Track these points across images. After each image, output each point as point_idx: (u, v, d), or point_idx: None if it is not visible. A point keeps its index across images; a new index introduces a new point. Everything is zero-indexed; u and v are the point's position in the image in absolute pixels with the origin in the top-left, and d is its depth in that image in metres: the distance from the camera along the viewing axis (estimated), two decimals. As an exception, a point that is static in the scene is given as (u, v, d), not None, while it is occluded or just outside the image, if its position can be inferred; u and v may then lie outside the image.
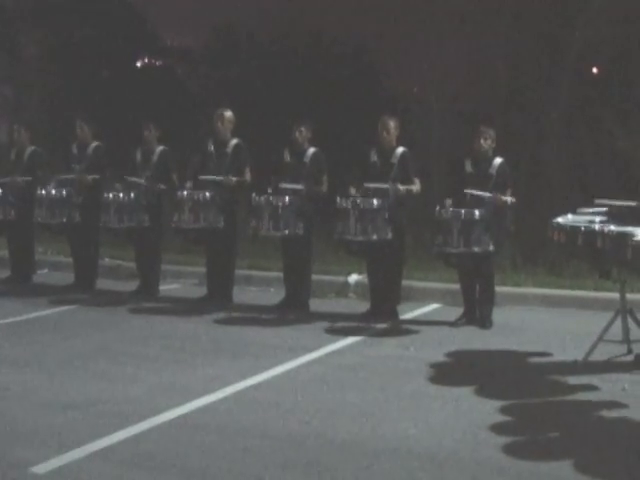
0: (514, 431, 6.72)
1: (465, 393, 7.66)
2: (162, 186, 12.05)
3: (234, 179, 11.48)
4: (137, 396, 7.54)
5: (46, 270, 14.59)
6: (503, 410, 7.17)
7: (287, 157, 11.42)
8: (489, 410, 7.15)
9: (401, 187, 10.56)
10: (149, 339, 9.87)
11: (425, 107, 20.22)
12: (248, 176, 11.63)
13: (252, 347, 9.44)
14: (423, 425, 6.77)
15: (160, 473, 5.86)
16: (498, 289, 10.90)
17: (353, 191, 10.56)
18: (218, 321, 10.86)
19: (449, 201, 10.23)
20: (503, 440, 6.41)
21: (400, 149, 10.84)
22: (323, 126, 12.97)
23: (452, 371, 8.62)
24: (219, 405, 7.33)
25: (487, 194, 10.20)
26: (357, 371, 8.43)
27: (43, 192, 12.45)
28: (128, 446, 6.33)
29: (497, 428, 6.70)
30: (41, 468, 5.91)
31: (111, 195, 11.96)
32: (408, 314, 11.15)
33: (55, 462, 6.01)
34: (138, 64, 41.10)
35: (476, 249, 9.93)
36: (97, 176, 12.48)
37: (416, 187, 10.72)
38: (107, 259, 14.27)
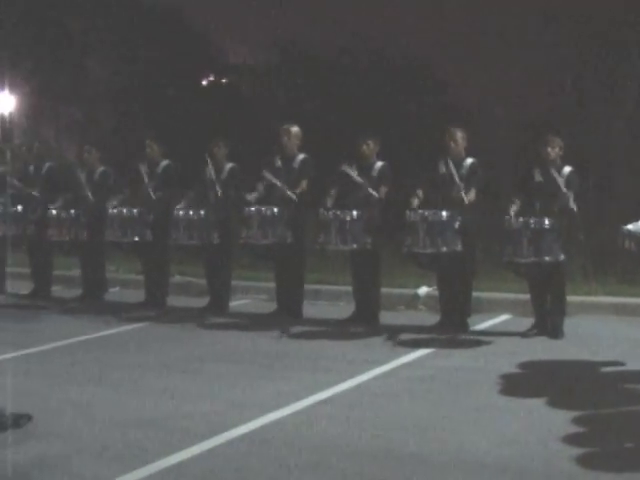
0: (587, 442, 6.62)
1: (537, 404, 7.57)
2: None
3: (290, 192, 11.50)
4: (208, 412, 7.57)
5: (117, 288, 14.74)
6: (576, 421, 7.08)
7: (348, 170, 11.42)
8: (561, 421, 7.05)
9: (465, 197, 10.50)
10: (219, 355, 9.92)
11: (491, 117, 20.13)
12: (304, 186, 11.62)
13: (322, 361, 9.44)
14: (494, 437, 6.70)
15: (231, 488, 5.89)
16: (569, 298, 10.78)
17: (416, 202, 10.53)
18: (288, 336, 10.89)
19: (514, 207, 10.18)
20: (576, 452, 6.32)
21: (469, 160, 10.80)
22: (389, 139, 12.97)
23: (523, 382, 8.55)
24: (290, 420, 7.33)
25: None
26: (427, 384, 8.38)
27: (114, 211, 12.61)
28: (199, 462, 6.35)
29: (570, 439, 6.61)
30: (113, 484, 5.96)
31: (181, 213, 12.07)
32: (478, 325, 11.08)
33: (127, 478, 6.05)
34: (204, 82, 41.50)
35: (547, 258, 9.84)
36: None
37: (469, 197, 10.62)
38: (177, 276, 14.37)
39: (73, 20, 44.61)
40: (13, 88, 45.99)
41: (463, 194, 10.49)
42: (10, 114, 46.49)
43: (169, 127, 31.00)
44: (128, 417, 7.47)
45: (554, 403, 7.58)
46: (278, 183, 11.54)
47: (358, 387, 8.35)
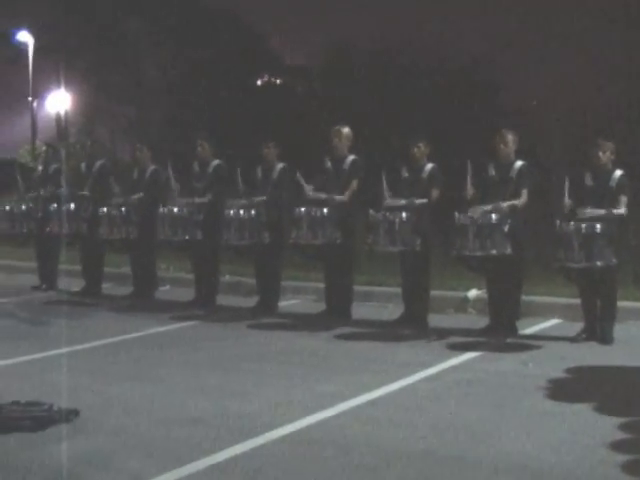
0: (635, 449, 6.55)
1: (584, 410, 7.51)
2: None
3: (337, 197, 11.51)
4: (254, 411, 7.59)
5: (168, 286, 14.84)
6: (624, 427, 7.01)
7: (404, 173, 11.41)
8: (609, 427, 6.99)
9: (504, 205, 10.42)
10: (267, 355, 9.94)
11: (545, 120, 19.98)
12: (354, 187, 11.62)
13: (369, 363, 9.43)
14: (540, 442, 6.66)
15: (274, 487, 5.90)
16: (620, 304, 10.67)
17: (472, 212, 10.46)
18: (336, 337, 10.88)
19: (569, 201, 10.12)
20: (623, 458, 6.26)
21: (519, 163, 10.73)
22: (440, 141, 12.93)
23: (571, 387, 8.47)
24: (335, 421, 7.33)
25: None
26: (474, 387, 8.34)
27: (165, 210, 12.68)
28: (242, 461, 6.36)
29: (617, 446, 6.54)
30: (158, 481, 6.00)
31: (232, 212, 12.11)
32: (528, 329, 11.00)
33: (170, 475, 6.08)
34: (258, 82, 41.65)
35: (598, 263, 9.76)
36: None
37: (520, 201, 10.55)
38: (227, 276, 14.43)
39: (129, 20, 45.01)
40: (69, 87, 46.53)
41: (502, 204, 10.43)
42: (66, 112, 47.00)
43: (222, 127, 31.20)
44: (174, 415, 7.51)
45: (602, 409, 7.51)
46: (323, 196, 11.55)
47: (404, 389, 8.33)
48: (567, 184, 10.38)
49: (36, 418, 7.17)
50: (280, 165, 12.44)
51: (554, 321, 11.61)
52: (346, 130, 11.88)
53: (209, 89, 37.06)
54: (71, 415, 7.33)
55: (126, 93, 45.00)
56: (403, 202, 11.08)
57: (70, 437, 6.88)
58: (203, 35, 40.47)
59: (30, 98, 46.36)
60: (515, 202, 10.51)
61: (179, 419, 7.37)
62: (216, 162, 12.99)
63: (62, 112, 47.19)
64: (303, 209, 11.39)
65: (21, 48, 45.89)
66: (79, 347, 10.23)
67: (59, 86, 46.79)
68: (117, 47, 44.49)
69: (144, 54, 44.22)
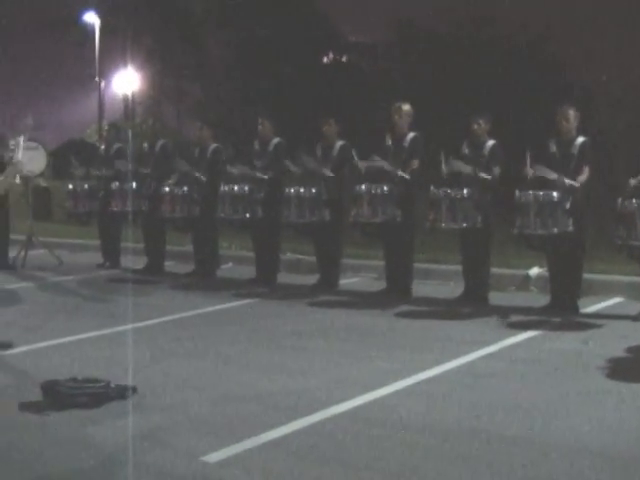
0: (695, 429, 6.46)
1: (644, 390, 7.41)
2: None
3: (401, 173, 11.44)
4: (311, 388, 7.59)
5: (230, 264, 14.89)
6: (684, 408, 6.91)
7: (465, 149, 11.32)
8: (669, 408, 6.90)
9: (567, 181, 10.28)
10: (327, 332, 9.94)
11: (610, 97, 19.69)
12: (415, 165, 11.56)
13: (429, 341, 9.38)
14: (597, 422, 6.57)
15: (325, 465, 5.87)
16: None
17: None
18: (397, 315, 10.85)
19: (629, 189, 9.95)
20: (682, 438, 6.18)
21: (580, 139, 10.58)
22: (502, 118, 12.79)
23: (631, 367, 8.34)
24: (391, 399, 7.30)
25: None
26: (533, 366, 8.26)
27: (226, 188, 12.71)
28: (298, 438, 6.37)
29: (677, 427, 6.45)
30: (212, 457, 6.00)
31: (292, 190, 12.10)
32: (589, 308, 10.87)
33: (226, 452, 6.10)
34: (324, 60, 41.53)
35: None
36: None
37: (583, 177, 10.40)
38: (289, 253, 14.45)
39: (194, -1, 45.12)
40: (136, 67, 46.84)
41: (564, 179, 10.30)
42: (133, 93, 47.34)
43: (288, 105, 31.20)
44: (231, 392, 7.54)
45: (662, 389, 7.41)
46: (388, 167, 11.49)
47: (462, 367, 8.27)
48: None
49: (93, 395, 7.23)
50: (340, 142, 12.39)
51: (616, 299, 11.45)
52: (406, 107, 11.80)
53: (274, 67, 37.07)
54: (128, 392, 7.38)
55: (192, 72, 45.25)
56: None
57: (126, 414, 6.92)
58: (267, 13, 40.43)
59: (97, 78, 46.71)
60: (577, 180, 10.36)
61: (236, 396, 7.40)
62: (276, 140, 12.97)
63: (129, 92, 47.55)
64: (363, 186, 11.36)
65: (88, 29, 46.28)
66: (140, 324, 10.29)
67: (126, 66, 47.15)
68: (182, 26, 44.70)
69: (209, 33, 44.38)
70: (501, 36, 29.48)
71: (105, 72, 47.93)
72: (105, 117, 46.57)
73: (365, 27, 42.54)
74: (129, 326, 10.07)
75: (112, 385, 7.38)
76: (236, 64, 39.35)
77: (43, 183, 23.41)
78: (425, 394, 7.40)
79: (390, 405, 7.13)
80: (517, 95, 25.41)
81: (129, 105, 46.92)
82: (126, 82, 47.64)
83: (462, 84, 27.00)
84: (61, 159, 16.62)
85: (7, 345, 9.07)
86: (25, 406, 7.16)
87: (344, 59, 42.64)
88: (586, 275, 11.06)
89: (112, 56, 47.43)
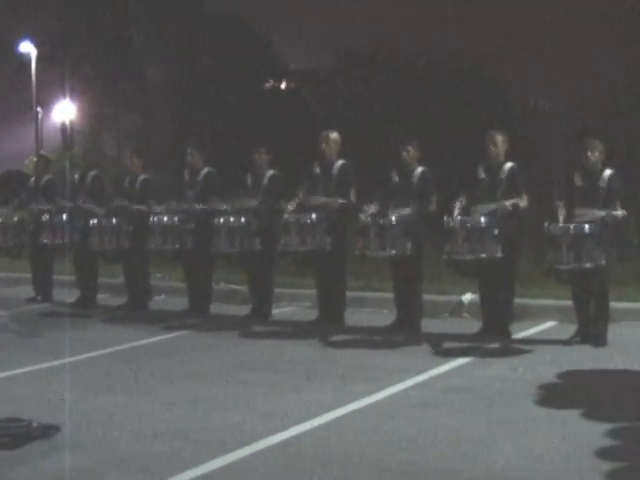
0: (622, 457, 6.41)
1: (573, 416, 7.37)
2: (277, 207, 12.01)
3: (339, 201, 11.40)
4: (239, 422, 7.47)
5: (163, 296, 14.71)
6: (613, 434, 6.87)
7: (395, 178, 11.29)
8: (598, 434, 6.84)
9: (507, 203, 10.29)
10: (257, 364, 9.83)
11: (546, 121, 19.88)
12: (353, 197, 11.52)
13: (360, 371, 9.29)
14: (527, 451, 6.52)
15: (251, 503, 5.79)
16: (615, 305, 10.56)
17: (457, 211, 10.34)
18: (328, 344, 10.78)
19: (560, 212, 9.96)
20: (609, 466, 6.13)
21: (509, 164, 10.59)
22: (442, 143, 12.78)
23: (561, 392, 8.32)
24: (320, 431, 7.21)
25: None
26: (462, 394, 8.21)
27: (155, 219, 12.58)
28: (223, 474, 6.28)
29: (604, 453, 6.40)
30: (135, 496, 5.90)
31: (222, 220, 12.00)
32: (522, 333, 10.85)
33: (150, 491, 6.00)
34: (266, 86, 41.54)
35: (587, 265, 9.62)
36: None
37: (523, 203, 10.42)
38: (222, 283, 14.33)
39: (133, 27, 45.01)
40: (74, 96, 46.55)
41: (506, 204, 10.30)
42: (71, 122, 47.02)
43: (228, 132, 31.12)
44: (157, 428, 7.40)
45: (591, 415, 7.37)
46: (323, 199, 11.44)
47: (393, 397, 8.20)
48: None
49: (14, 435, 7.07)
50: (270, 172, 12.31)
51: (550, 324, 11.46)
52: (334, 135, 11.76)
53: (214, 94, 37.06)
54: (51, 431, 7.23)
55: (131, 100, 45.07)
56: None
57: (48, 454, 6.80)
58: (207, 40, 40.48)
59: (34, 108, 46.35)
60: (519, 202, 10.36)
61: (163, 432, 7.26)
62: (206, 170, 12.86)
63: (67, 121, 47.23)
64: (291, 215, 11.29)
65: (24, 59, 45.92)
66: (69, 359, 10.09)
67: (64, 95, 46.85)
68: (121, 55, 44.54)
69: (148, 61, 44.31)
70: (442, 61, 29.70)
71: (43, 101, 47.55)
72: (43, 147, 46.18)
73: (305, 54, 42.69)
74: (57, 362, 9.99)
75: (34, 424, 7.22)
76: (177, 91, 39.29)
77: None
78: (354, 426, 7.32)
79: (318, 438, 7.05)
80: (457, 121, 25.57)
81: (67, 134, 46.56)
82: (64, 111, 47.34)
83: (401, 109, 27.17)
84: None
85: None
86: (-56, 447, 7.00)
87: (283, 86, 42.75)
88: (520, 300, 11.09)
89: (50, 85, 47.08)
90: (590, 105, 22.84)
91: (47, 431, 7.21)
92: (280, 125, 30.22)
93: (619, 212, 9.92)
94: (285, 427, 7.26)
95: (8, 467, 6.54)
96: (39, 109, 46.88)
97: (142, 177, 13.53)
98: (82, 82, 46.80)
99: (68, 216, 13.72)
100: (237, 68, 38.29)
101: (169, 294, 14.75)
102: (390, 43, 31.37)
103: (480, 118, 23.84)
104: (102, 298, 14.53)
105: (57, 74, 47.76)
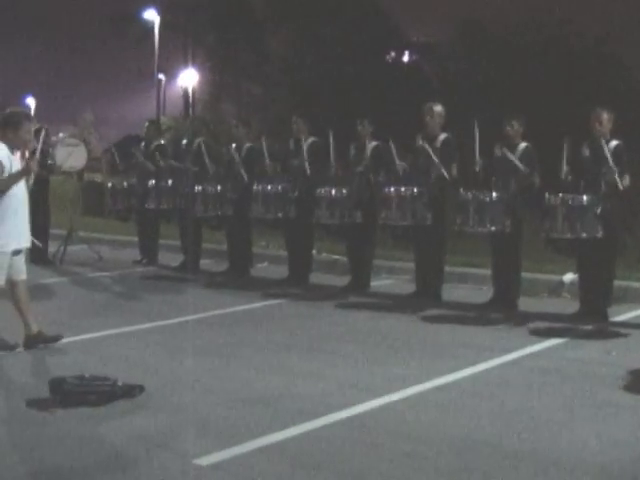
0: None
1: (661, 404, 7.18)
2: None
3: (445, 172, 11.26)
4: (318, 392, 7.47)
5: (266, 263, 14.80)
6: (698, 423, 6.67)
7: (497, 152, 11.10)
8: (683, 423, 6.66)
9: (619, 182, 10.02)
10: (348, 335, 9.80)
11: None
12: (454, 172, 11.37)
13: (450, 347, 9.20)
14: (607, 437, 6.36)
15: (317, 473, 5.75)
16: None
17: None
18: (422, 319, 10.68)
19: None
20: (689, 457, 5.95)
21: (614, 142, 10.31)
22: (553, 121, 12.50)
23: (652, 380, 8.11)
24: (397, 406, 7.15)
25: None
26: (550, 375, 8.05)
27: (259, 187, 12.62)
28: (295, 444, 6.27)
29: (686, 443, 6.22)
30: (204, 460, 5.93)
31: (323, 191, 11.98)
32: (620, 316, 10.57)
33: (219, 455, 6.02)
34: (386, 59, 41.34)
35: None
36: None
37: (625, 182, 10.14)
38: (324, 254, 14.33)
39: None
40: (196, 64, 47.09)
41: (617, 178, 10.03)
42: (193, 89, 47.58)
43: (345, 104, 31.05)
44: (240, 393, 7.46)
45: (681, 404, 7.17)
46: (436, 159, 11.30)
47: (477, 375, 8.09)
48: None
49: (100, 393, 7.20)
50: (373, 143, 12.23)
51: (652, 308, 11.18)
52: (438, 108, 11.61)
53: (334, 66, 36.96)
54: (136, 391, 7.35)
55: (252, 70, 45.35)
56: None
57: (130, 413, 6.92)
58: (329, 12, 40.36)
59: (156, 75, 47.06)
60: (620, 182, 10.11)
61: (242, 399, 7.30)
62: (311, 139, 12.84)
63: (189, 89, 47.81)
64: (392, 188, 11.20)
65: (148, 26, 46.61)
66: (163, 322, 10.28)
67: (186, 63, 47.44)
68: (243, 24, 44.81)
69: (270, 31, 44.45)
70: (564, 36, 29.10)
71: (166, 69, 48.27)
72: (165, 113, 46.85)
73: (427, 26, 42.32)
74: (152, 324, 10.16)
75: (119, 384, 7.34)
76: (297, 62, 39.30)
77: (98, 179, 23.52)
78: (433, 402, 7.24)
79: (394, 412, 7.00)
80: (577, 96, 25.04)
81: (188, 101, 47.11)
82: (187, 79, 47.92)
83: (521, 85, 26.73)
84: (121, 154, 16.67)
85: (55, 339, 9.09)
86: (32, 402, 7.16)
87: (405, 58, 42.47)
88: (621, 282, 10.81)
89: (172, 53, 47.76)
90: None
91: (132, 391, 7.33)
92: (400, 98, 29.95)
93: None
94: (362, 400, 7.22)
95: (92, 424, 6.67)
96: (161, 76, 47.54)
97: (248, 145, 13.58)
98: (204, 51, 47.31)
99: (173, 182, 13.89)
100: (359, 39, 38.13)
101: (272, 262, 14.81)
102: (510, 18, 30.84)
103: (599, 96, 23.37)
104: (205, 264, 14.66)
105: (179, 42, 48.36)
